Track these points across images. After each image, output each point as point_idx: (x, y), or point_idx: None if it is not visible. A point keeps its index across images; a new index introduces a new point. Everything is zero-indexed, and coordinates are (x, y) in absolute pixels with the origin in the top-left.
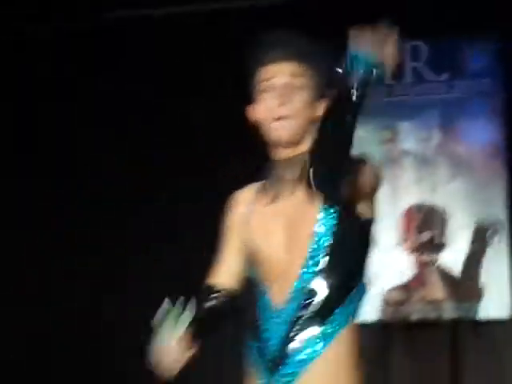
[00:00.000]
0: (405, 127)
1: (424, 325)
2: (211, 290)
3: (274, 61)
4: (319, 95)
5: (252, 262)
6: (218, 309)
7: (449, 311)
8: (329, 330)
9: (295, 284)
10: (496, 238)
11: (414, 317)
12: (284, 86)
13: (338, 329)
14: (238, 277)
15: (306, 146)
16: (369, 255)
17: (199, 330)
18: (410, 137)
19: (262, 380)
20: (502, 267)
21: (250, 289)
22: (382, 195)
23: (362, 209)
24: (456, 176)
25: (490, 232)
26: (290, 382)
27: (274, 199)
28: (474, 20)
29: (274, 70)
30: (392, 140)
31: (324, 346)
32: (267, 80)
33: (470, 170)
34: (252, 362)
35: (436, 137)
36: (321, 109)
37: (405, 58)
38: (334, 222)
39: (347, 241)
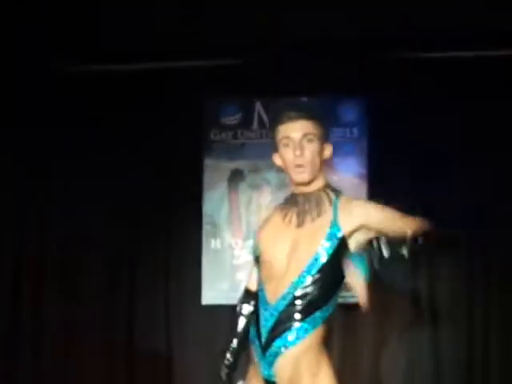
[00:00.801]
0: None
1: None
2: (249, 294)
3: (290, 120)
4: (324, 141)
5: (258, 262)
6: (253, 311)
7: None
8: (306, 326)
9: (288, 288)
10: None
11: None
12: (300, 140)
13: (313, 327)
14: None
15: (319, 183)
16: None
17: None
18: None
19: (258, 357)
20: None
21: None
22: None
23: (350, 243)
24: None
25: None
26: (271, 361)
27: (290, 218)
28: (347, 83)
29: (291, 127)
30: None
31: (300, 338)
32: (286, 135)
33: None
34: (252, 342)
35: None
36: (327, 152)
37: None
38: (334, 249)
39: (336, 264)
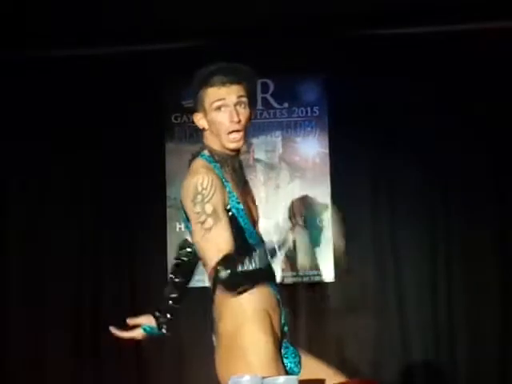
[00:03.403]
0: (257, 142)
1: None
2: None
3: (224, 83)
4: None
5: None
6: None
7: (289, 277)
8: None
9: None
10: (324, 221)
11: None
12: (234, 105)
13: None
14: None
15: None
16: None
17: None
18: (261, 149)
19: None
20: (329, 242)
21: None
22: None
23: None
24: (294, 178)
25: (319, 217)
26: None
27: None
28: (307, 61)
29: (225, 91)
30: (247, 151)
31: None
32: (219, 100)
33: (304, 174)
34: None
35: (279, 149)
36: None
37: (256, 91)
38: None
39: None
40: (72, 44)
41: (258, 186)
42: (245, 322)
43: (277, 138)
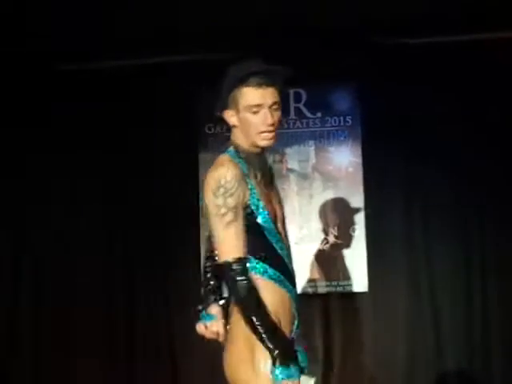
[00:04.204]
0: (290, 151)
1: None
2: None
3: (260, 85)
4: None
5: None
6: None
7: (322, 287)
8: None
9: None
10: (357, 231)
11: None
12: (269, 107)
13: None
14: None
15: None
16: None
17: None
18: (294, 159)
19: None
20: (362, 253)
21: None
22: None
23: None
24: (327, 188)
25: (352, 227)
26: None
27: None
28: (340, 72)
29: (261, 93)
30: (281, 161)
31: None
32: (257, 104)
33: (337, 183)
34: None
35: (312, 159)
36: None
37: (289, 101)
38: None
39: None
40: (109, 55)
41: (292, 195)
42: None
43: (310, 148)
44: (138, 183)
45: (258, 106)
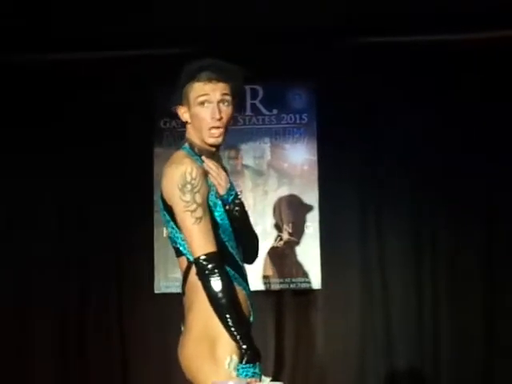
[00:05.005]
0: (245, 148)
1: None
2: None
3: (210, 80)
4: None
5: None
6: None
7: (276, 284)
8: None
9: None
10: (311, 229)
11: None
12: (218, 103)
13: None
14: None
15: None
16: None
17: None
18: (249, 155)
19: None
20: (316, 250)
21: None
22: None
23: None
24: (282, 185)
25: (306, 224)
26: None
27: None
28: (296, 70)
29: (210, 87)
30: (236, 157)
31: None
32: (203, 95)
33: (292, 181)
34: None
35: (267, 155)
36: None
37: (246, 97)
38: None
39: None
40: (67, 48)
41: (246, 192)
42: (214, 315)
43: (265, 145)
44: (93, 179)
45: (206, 95)
